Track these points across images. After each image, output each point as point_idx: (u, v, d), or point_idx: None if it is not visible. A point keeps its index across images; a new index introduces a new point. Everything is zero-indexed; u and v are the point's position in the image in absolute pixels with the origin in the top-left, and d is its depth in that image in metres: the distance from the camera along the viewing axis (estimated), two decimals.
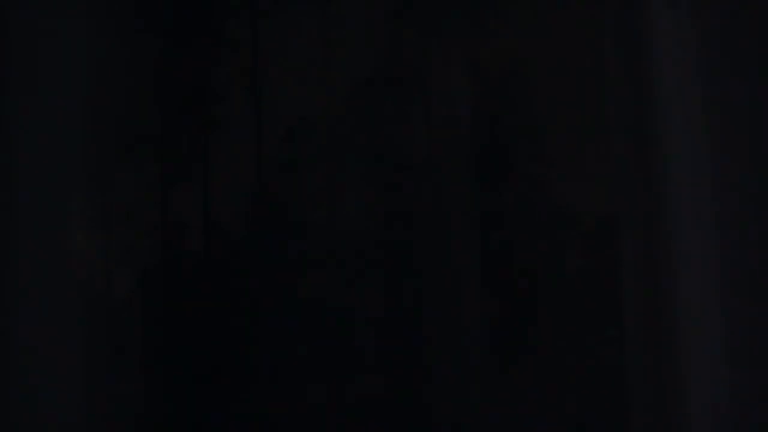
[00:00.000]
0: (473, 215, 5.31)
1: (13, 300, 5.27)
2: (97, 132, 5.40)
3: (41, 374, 5.27)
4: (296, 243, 5.39)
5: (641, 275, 5.25)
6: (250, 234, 5.40)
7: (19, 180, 5.33)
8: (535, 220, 5.29)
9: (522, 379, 5.22)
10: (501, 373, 5.23)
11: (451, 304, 5.30)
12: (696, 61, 5.37)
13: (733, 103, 5.30)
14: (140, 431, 5.29)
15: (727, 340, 5.20)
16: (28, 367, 5.27)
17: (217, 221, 5.40)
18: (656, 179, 5.29)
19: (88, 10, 5.39)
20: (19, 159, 5.33)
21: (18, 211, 5.34)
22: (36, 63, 5.36)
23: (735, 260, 5.21)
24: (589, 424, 5.15)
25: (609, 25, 5.43)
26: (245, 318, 5.36)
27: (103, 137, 5.38)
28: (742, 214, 5.23)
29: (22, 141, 5.36)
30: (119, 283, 5.30)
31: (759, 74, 5.27)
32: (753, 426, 5.11)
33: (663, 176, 5.31)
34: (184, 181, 5.40)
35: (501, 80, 5.35)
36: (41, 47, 5.36)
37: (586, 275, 5.24)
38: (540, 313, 5.24)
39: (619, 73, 5.38)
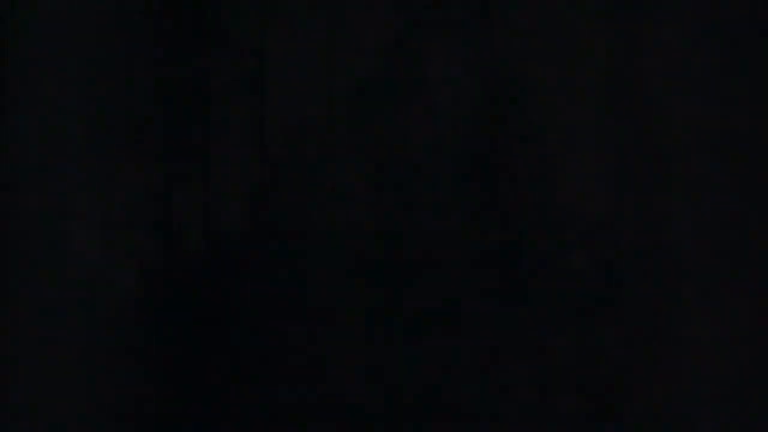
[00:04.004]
0: (473, 215, 5.32)
1: (14, 300, 5.27)
2: (98, 132, 5.40)
3: (42, 373, 5.26)
4: (296, 243, 5.39)
5: (641, 275, 5.26)
6: (250, 234, 5.40)
7: (20, 180, 5.33)
8: (535, 220, 5.29)
9: (521, 378, 5.23)
10: (501, 372, 5.23)
11: (451, 304, 5.31)
12: (696, 61, 5.38)
13: (734, 102, 5.30)
14: (140, 429, 5.28)
15: (728, 339, 5.21)
16: (28, 366, 5.27)
17: (217, 221, 5.40)
18: (657, 179, 5.30)
19: (89, 9, 5.39)
20: (20, 159, 5.33)
21: (19, 211, 5.34)
22: (38, 64, 5.36)
23: (736, 259, 5.22)
24: (589, 423, 5.15)
25: (609, 26, 5.44)
26: (245, 318, 5.36)
27: (104, 138, 5.39)
28: (743, 213, 5.24)
29: (23, 141, 5.36)
30: (119, 283, 5.30)
31: (759, 74, 5.28)
32: (753, 424, 5.12)
33: (663, 176, 5.32)
34: (184, 181, 5.40)
35: (501, 80, 5.36)
36: (43, 48, 5.36)
37: (587, 275, 5.25)
38: (540, 312, 5.24)
39: (619, 73, 5.39)
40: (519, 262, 5.26)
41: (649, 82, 5.32)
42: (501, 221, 5.30)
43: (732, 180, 5.20)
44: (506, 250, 5.27)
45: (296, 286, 5.38)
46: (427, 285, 5.31)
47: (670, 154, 5.28)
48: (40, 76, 5.35)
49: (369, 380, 5.30)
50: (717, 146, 5.23)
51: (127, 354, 5.29)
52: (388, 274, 5.33)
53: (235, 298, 5.36)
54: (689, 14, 5.28)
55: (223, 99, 5.43)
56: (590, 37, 5.38)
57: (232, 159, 5.45)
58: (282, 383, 5.33)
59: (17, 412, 5.25)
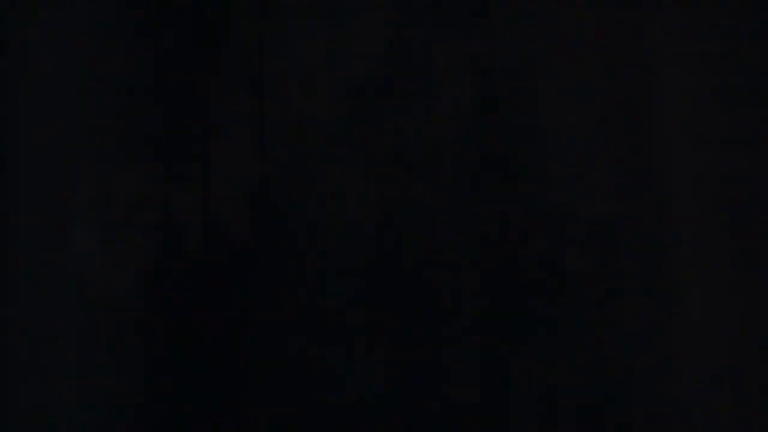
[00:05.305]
0: (474, 215, 5.32)
1: (13, 300, 5.27)
2: (96, 131, 5.40)
3: (40, 374, 5.27)
4: (296, 243, 5.39)
5: (641, 275, 5.26)
6: (251, 234, 5.39)
7: (18, 180, 5.33)
8: (535, 219, 5.29)
9: (520, 380, 5.22)
10: (499, 374, 5.23)
11: (450, 304, 5.30)
12: (696, 60, 5.38)
13: (734, 101, 5.30)
14: (139, 430, 5.28)
15: (728, 340, 5.21)
16: (27, 366, 5.27)
17: (217, 221, 5.40)
18: (656, 179, 5.30)
19: (89, 8, 5.40)
20: (18, 159, 5.34)
21: (17, 211, 5.34)
22: (35, 62, 5.36)
23: (735, 258, 5.22)
24: (588, 425, 5.15)
25: (610, 26, 5.44)
26: (245, 318, 5.36)
27: (102, 137, 5.39)
28: (743, 213, 5.23)
29: (21, 141, 5.36)
30: (119, 283, 5.30)
31: (760, 73, 5.28)
32: (753, 425, 5.11)
33: (663, 176, 5.31)
34: (184, 181, 5.40)
35: (502, 80, 5.36)
36: (41, 46, 5.36)
37: (586, 275, 5.24)
38: (540, 313, 5.24)
39: (619, 73, 5.39)
40: (519, 262, 5.26)
41: (651, 81, 5.32)
42: (501, 221, 5.30)
43: (734, 179, 5.19)
44: (506, 250, 5.27)
45: (297, 286, 5.38)
46: (426, 284, 5.31)
47: (672, 154, 5.28)
48: (40, 75, 5.35)
49: (369, 380, 5.30)
50: (719, 145, 5.23)
51: (126, 354, 5.29)
52: (388, 273, 5.33)
53: (236, 298, 5.36)
54: (692, 12, 5.28)
55: (223, 99, 5.43)
56: (591, 36, 5.38)
57: (232, 159, 5.45)
58: (283, 384, 5.33)
59: (17, 412, 5.25)
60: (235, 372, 5.32)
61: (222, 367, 5.32)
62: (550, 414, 5.19)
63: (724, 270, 5.16)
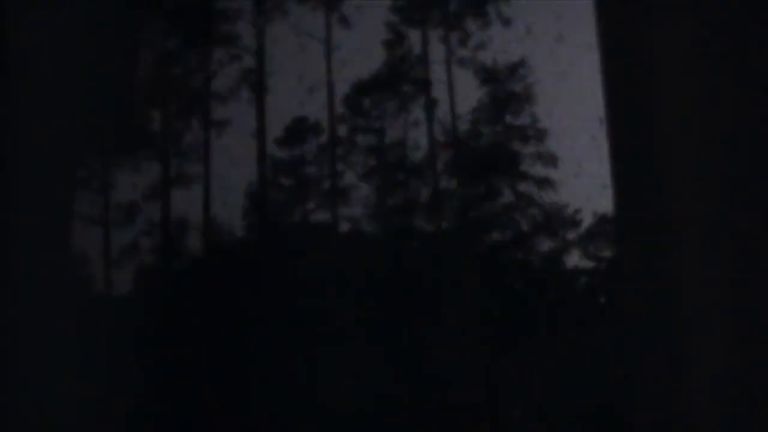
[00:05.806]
0: (474, 215, 5.31)
1: (13, 299, 5.28)
2: (96, 131, 5.40)
3: (40, 373, 5.27)
4: (295, 243, 5.38)
5: (641, 275, 5.25)
6: (250, 234, 5.39)
7: (19, 180, 5.34)
8: (535, 219, 5.28)
9: (520, 377, 5.22)
10: (499, 371, 5.22)
11: (450, 303, 5.30)
12: (696, 60, 5.37)
13: (734, 101, 5.30)
14: (138, 428, 5.27)
15: (728, 339, 5.20)
16: (27, 365, 5.27)
17: (217, 221, 5.39)
18: (656, 179, 5.29)
19: (89, 8, 5.40)
20: (19, 159, 5.34)
21: (18, 211, 5.34)
22: (35, 62, 5.36)
23: (736, 259, 5.21)
24: (589, 423, 5.14)
25: (610, 26, 5.44)
26: (245, 318, 5.35)
27: (102, 137, 5.38)
28: (743, 213, 5.23)
29: (22, 141, 5.37)
30: (119, 283, 5.30)
31: (760, 73, 5.27)
32: (753, 424, 5.10)
33: (663, 175, 5.31)
34: (184, 181, 5.40)
35: (502, 80, 5.36)
36: (42, 46, 5.37)
37: (587, 276, 5.24)
38: (539, 312, 5.24)
39: (619, 73, 5.38)
40: (519, 262, 5.24)
41: (651, 81, 5.32)
42: (501, 221, 5.29)
43: (734, 179, 5.19)
44: (506, 250, 5.26)
45: (295, 286, 5.37)
46: (427, 284, 5.30)
47: (672, 154, 5.28)
48: (40, 75, 5.35)
49: (368, 379, 5.28)
50: (719, 145, 5.23)
51: (126, 353, 5.28)
52: (388, 273, 5.32)
53: (235, 298, 5.35)
54: (692, 12, 5.28)
55: (223, 99, 5.42)
56: (591, 36, 5.37)
57: (232, 159, 5.44)
58: (283, 384, 5.31)
59: (17, 412, 5.25)
60: (235, 372, 5.31)
61: (222, 367, 5.31)
62: (550, 414, 5.17)
63: (724, 270, 5.15)
